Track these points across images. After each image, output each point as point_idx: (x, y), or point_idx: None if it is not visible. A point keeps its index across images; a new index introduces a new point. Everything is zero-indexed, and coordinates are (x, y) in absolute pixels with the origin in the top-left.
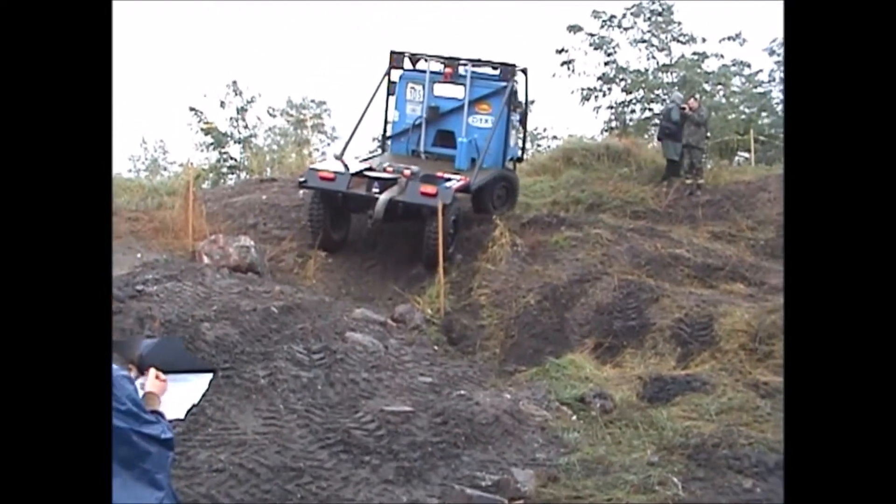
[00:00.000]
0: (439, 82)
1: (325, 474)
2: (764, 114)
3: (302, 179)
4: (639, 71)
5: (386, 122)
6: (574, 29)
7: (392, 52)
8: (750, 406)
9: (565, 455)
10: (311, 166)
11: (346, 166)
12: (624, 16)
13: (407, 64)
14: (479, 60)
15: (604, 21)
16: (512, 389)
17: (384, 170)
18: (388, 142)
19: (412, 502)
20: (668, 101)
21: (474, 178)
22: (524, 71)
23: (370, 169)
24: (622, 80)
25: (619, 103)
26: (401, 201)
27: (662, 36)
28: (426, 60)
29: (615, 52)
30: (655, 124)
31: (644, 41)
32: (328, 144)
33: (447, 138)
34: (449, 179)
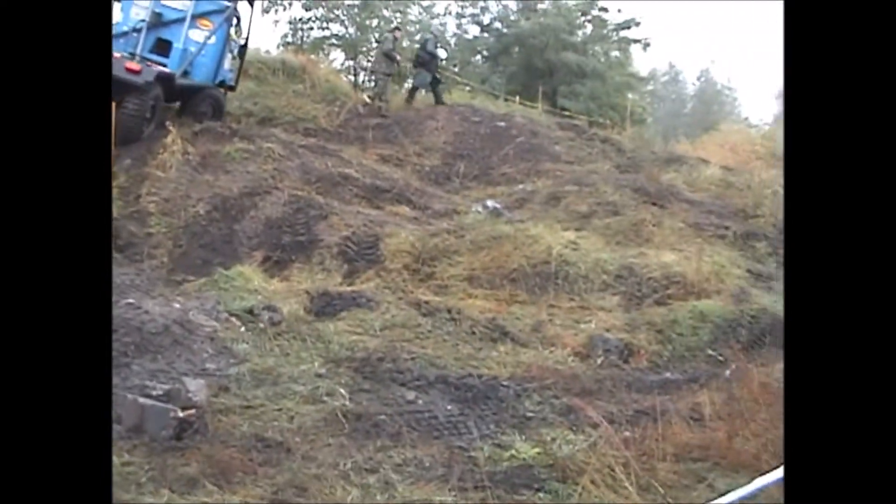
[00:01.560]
0: None
1: None
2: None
3: None
4: None
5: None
6: None
7: None
8: (412, 323)
9: (235, 366)
10: None
11: None
12: None
13: None
14: None
15: None
16: (181, 299)
17: None
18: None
19: None
20: (425, 33)
21: (179, 76)
22: (251, 2)
23: None
24: None
25: (298, 20)
26: None
27: None
28: None
29: None
30: (332, 44)
31: None
32: None
33: (165, 47)
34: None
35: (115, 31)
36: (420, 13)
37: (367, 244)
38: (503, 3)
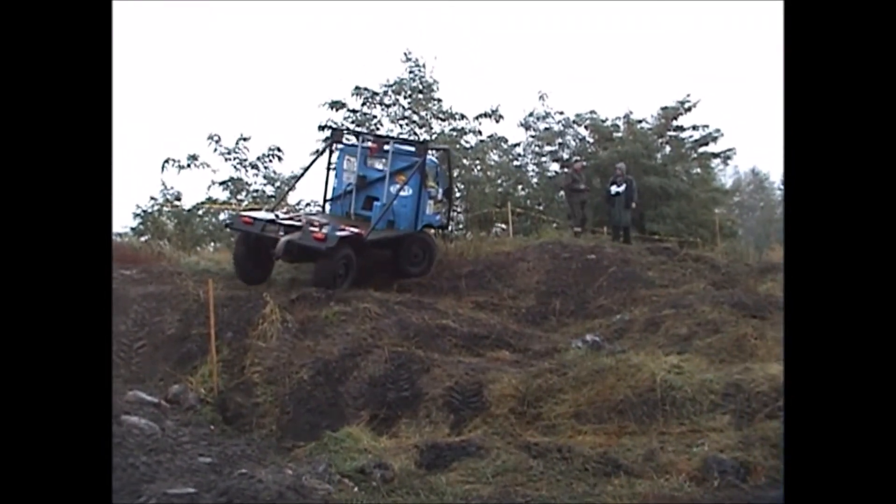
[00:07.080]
0: (369, 156)
1: None
2: (520, 186)
3: (229, 222)
4: None
5: (326, 187)
6: (336, 105)
7: (333, 129)
8: (524, 467)
9: None
10: (239, 212)
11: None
12: (385, 93)
13: (346, 139)
14: (401, 139)
15: (366, 98)
16: (292, 465)
17: (293, 218)
18: (328, 204)
19: None
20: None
21: (368, 232)
22: (447, 151)
23: (287, 218)
24: None
25: None
26: (297, 243)
27: (423, 113)
28: (359, 138)
29: (377, 128)
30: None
31: (405, 118)
32: None
33: (372, 203)
34: (343, 230)
35: (331, 195)
36: (500, 156)
37: (471, 392)
38: (580, 136)
